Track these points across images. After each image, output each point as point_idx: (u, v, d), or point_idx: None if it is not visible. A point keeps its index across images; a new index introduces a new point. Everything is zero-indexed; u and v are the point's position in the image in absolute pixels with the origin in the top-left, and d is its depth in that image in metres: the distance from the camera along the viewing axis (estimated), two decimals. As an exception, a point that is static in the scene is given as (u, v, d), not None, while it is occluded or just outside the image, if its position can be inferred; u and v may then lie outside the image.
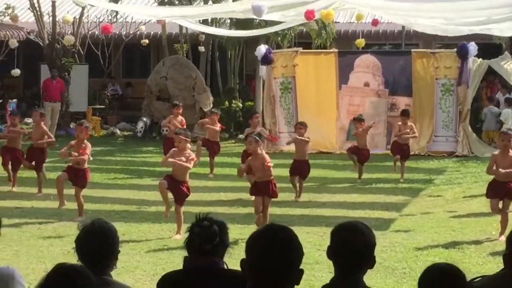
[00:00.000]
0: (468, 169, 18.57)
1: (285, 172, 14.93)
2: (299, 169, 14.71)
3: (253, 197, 12.25)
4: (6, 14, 27.81)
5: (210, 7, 15.01)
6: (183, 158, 11.56)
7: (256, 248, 3.50)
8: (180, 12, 15.38)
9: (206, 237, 4.26)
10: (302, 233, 11.45)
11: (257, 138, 11.96)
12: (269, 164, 11.72)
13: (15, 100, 27.94)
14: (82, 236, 4.60)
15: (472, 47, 20.50)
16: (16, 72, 21.63)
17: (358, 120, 17.19)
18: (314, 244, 10.58)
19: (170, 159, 11.59)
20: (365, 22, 22.61)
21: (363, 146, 16.81)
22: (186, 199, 11.78)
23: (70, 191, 12.89)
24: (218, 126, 17.87)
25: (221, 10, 15.09)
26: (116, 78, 31.63)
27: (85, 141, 12.94)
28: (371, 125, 17.27)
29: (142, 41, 23.84)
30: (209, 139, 17.80)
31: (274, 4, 14.15)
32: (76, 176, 12.72)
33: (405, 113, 17.62)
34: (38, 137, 15.39)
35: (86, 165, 12.88)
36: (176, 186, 11.64)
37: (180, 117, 18.18)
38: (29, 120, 27.73)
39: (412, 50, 22.52)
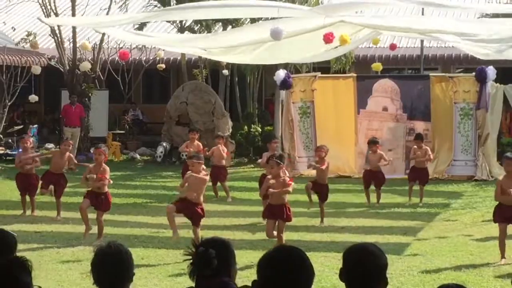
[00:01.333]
0: (487, 193, 18.47)
1: (305, 197, 14.97)
2: (319, 188, 14.70)
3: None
4: (28, 40, 28.14)
5: (231, 37, 15.02)
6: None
7: (267, 268, 3.54)
8: (200, 44, 15.45)
9: (203, 263, 4.26)
10: (320, 257, 11.48)
11: (278, 161, 11.99)
12: (290, 182, 11.82)
13: (36, 125, 28.21)
14: (98, 258, 4.66)
15: (491, 71, 20.50)
16: (34, 98, 21.85)
17: (372, 142, 17.17)
18: (332, 268, 10.57)
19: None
20: (384, 47, 22.68)
21: (377, 168, 16.79)
22: (201, 220, 11.85)
23: (91, 215, 12.99)
24: (225, 151, 18.00)
25: (241, 39, 15.10)
26: (136, 104, 31.85)
27: (104, 164, 13.05)
28: (388, 162, 17.13)
29: (158, 65, 24.02)
30: (216, 165, 17.89)
31: (294, 29, 14.19)
32: (98, 200, 12.83)
33: (419, 137, 17.63)
34: (62, 165, 15.47)
35: (106, 189, 12.99)
36: (190, 208, 11.75)
37: (196, 142, 18.24)
38: (50, 145, 28.00)
39: (430, 74, 22.55)
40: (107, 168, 13.08)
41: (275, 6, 13.03)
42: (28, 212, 15.36)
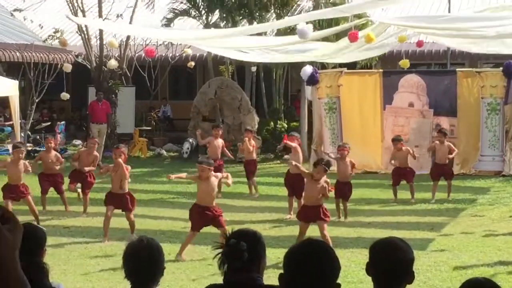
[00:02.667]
0: (514, 188, 18.43)
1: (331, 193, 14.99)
2: (341, 191, 14.74)
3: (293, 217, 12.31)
4: (55, 37, 28.33)
5: (258, 39, 15.06)
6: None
7: (293, 261, 3.56)
8: (227, 44, 15.47)
9: (233, 255, 4.25)
10: (347, 253, 11.50)
11: (326, 168, 11.95)
12: (331, 190, 11.83)
13: (63, 122, 28.42)
14: (130, 252, 4.71)
15: (519, 66, 20.40)
16: (65, 95, 21.97)
17: (397, 140, 17.17)
18: (359, 263, 10.58)
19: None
20: (410, 42, 22.58)
21: (405, 165, 16.81)
22: (222, 219, 11.78)
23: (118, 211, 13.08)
24: (220, 142, 17.96)
25: (267, 43, 15.16)
26: (166, 100, 32.02)
27: (124, 164, 13.08)
28: (415, 158, 17.14)
29: (188, 64, 24.10)
30: (247, 159, 17.93)
31: (319, 32, 14.27)
32: (122, 202, 12.87)
33: (441, 132, 17.57)
34: (89, 163, 15.62)
35: (127, 189, 13.03)
36: (207, 214, 11.67)
37: (220, 140, 18.11)
38: (77, 142, 28.22)
39: (457, 69, 22.43)
40: (128, 167, 13.13)
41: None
42: (50, 208, 15.53)
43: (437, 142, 17.36)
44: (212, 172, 11.85)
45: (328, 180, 12.05)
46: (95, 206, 15.12)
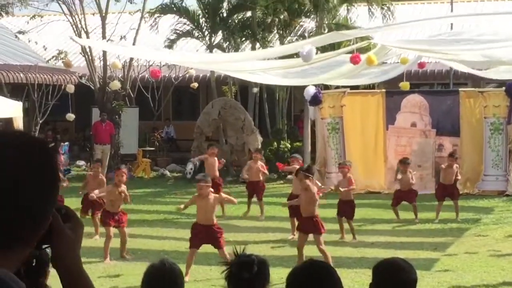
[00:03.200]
0: (518, 208, 18.41)
1: (332, 212, 15.01)
2: (344, 209, 14.76)
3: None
4: (59, 58, 28.44)
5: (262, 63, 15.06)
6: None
7: (295, 282, 3.58)
8: (232, 67, 15.52)
9: (243, 264, 4.29)
10: (350, 273, 11.49)
11: (307, 174, 12.03)
12: (318, 193, 11.86)
13: (67, 143, 28.48)
14: (152, 274, 4.71)
15: (521, 86, 20.44)
16: (71, 116, 21.99)
17: (405, 163, 17.20)
18: (362, 284, 10.58)
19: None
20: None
21: (407, 187, 16.84)
22: (223, 240, 11.76)
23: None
24: (216, 162, 17.91)
25: (272, 65, 15.15)
26: (170, 120, 32.10)
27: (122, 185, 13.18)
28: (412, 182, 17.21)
29: (191, 84, 24.20)
30: (252, 180, 17.80)
31: (322, 54, 14.32)
32: (116, 219, 12.94)
33: (452, 155, 17.59)
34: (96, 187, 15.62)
35: (121, 207, 13.16)
36: (207, 233, 11.66)
37: (214, 159, 18.07)
38: (81, 163, 28.26)
39: (460, 89, 22.47)
40: (125, 187, 13.26)
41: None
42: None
43: (443, 166, 17.31)
44: (211, 191, 11.92)
45: (317, 185, 12.15)
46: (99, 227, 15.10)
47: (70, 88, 21.59)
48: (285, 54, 15.32)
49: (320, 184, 12.63)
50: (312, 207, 11.89)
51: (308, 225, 11.88)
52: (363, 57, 13.85)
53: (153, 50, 16.37)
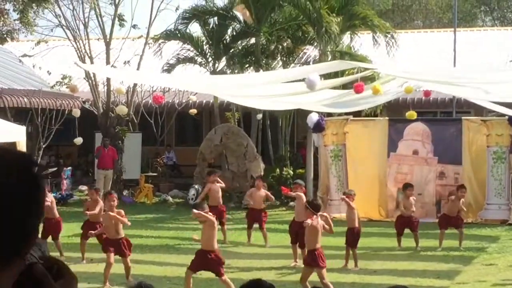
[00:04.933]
0: (521, 237, 18.36)
1: (335, 240, 14.96)
2: (349, 237, 14.71)
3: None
4: (63, 83, 28.54)
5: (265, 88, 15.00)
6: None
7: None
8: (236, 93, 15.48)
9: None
10: (353, 300, 11.45)
11: (313, 211, 11.99)
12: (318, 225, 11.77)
13: (70, 167, 28.48)
14: None
15: (524, 115, 20.46)
16: (78, 140, 21.99)
17: (407, 187, 17.19)
18: (365, 311, 10.54)
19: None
20: (416, 90, 22.72)
21: (410, 213, 16.81)
22: (222, 270, 11.70)
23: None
24: (219, 188, 17.83)
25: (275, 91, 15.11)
26: (171, 146, 32.14)
27: (115, 210, 13.12)
28: (413, 209, 17.19)
29: (190, 111, 24.26)
30: (254, 208, 17.62)
31: (326, 82, 14.34)
32: (119, 247, 12.87)
33: (463, 187, 17.56)
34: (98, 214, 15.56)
35: (123, 233, 13.06)
36: (206, 260, 11.59)
37: (217, 185, 17.91)
38: (83, 188, 28.24)
39: (463, 118, 22.51)
40: (122, 212, 13.16)
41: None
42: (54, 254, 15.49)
43: (454, 197, 17.22)
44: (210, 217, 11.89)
45: (323, 221, 12.04)
46: (98, 252, 15.05)
47: (76, 112, 21.64)
48: (290, 79, 15.30)
49: (324, 224, 12.45)
50: (314, 239, 11.79)
51: (310, 258, 11.80)
52: (366, 86, 13.89)
53: (158, 75, 16.27)
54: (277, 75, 16.37)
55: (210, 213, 12.13)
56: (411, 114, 20.91)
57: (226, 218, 18.24)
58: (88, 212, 14.87)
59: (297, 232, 14.70)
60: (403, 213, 16.94)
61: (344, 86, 18.74)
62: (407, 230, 16.78)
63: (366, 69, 17.89)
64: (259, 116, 26.53)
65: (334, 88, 17.67)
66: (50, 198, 15.89)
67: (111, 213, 12.95)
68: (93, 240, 15.44)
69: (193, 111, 24.92)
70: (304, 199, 15.17)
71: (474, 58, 31.19)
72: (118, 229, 12.99)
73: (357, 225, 14.94)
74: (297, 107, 19.94)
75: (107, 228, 13.13)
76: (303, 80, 13.08)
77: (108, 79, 26.40)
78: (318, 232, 11.80)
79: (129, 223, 13.19)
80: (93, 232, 15.03)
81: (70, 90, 18.46)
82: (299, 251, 14.70)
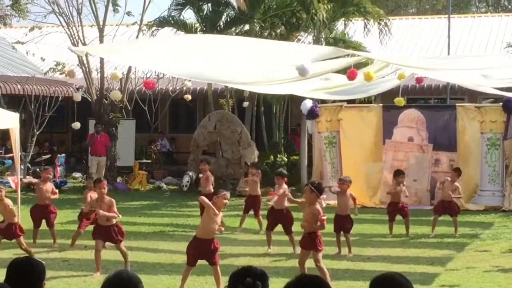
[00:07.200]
0: (515, 223, 18.39)
1: (330, 227, 14.95)
2: (341, 224, 14.70)
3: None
4: (57, 70, 28.47)
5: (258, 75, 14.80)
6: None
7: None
8: (226, 78, 15.22)
9: (260, 276, 4.23)
10: (346, 287, 11.45)
11: (312, 188, 11.86)
12: (323, 218, 11.62)
13: (63, 154, 28.45)
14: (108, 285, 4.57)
15: (518, 101, 20.47)
16: (76, 125, 21.99)
17: (398, 175, 17.14)
18: (358, 298, 10.55)
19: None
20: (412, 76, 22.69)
21: (399, 200, 16.78)
22: (217, 255, 11.65)
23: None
24: (209, 177, 17.76)
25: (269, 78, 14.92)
26: (164, 133, 32.10)
27: (107, 197, 13.01)
28: (407, 195, 17.21)
29: (184, 96, 24.18)
30: (251, 194, 17.58)
31: (319, 70, 14.19)
32: (110, 234, 12.75)
33: (458, 171, 17.51)
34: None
35: (115, 220, 12.97)
36: (207, 249, 11.45)
37: (208, 174, 17.84)
38: (77, 175, 28.22)
39: (457, 104, 22.52)
40: (113, 201, 13.06)
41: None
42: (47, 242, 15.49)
43: (448, 178, 17.20)
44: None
45: (321, 208, 11.93)
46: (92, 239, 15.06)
47: (77, 97, 21.62)
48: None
49: (324, 206, 12.33)
50: (314, 222, 11.68)
51: (308, 241, 11.74)
52: (360, 72, 13.81)
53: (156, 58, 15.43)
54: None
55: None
56: (399, 100, 20.84)
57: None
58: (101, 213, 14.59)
59: (275, 220, 14.82)
60: (394, 199, 16.85)
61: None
62: (399, 217, 16.79)
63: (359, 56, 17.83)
64: (245, 104, 26.45)
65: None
66: (49, 185, 15.85)
67: (101, 211, 12.78)
68: (87, 228, 15.43)
69: (188, 96, 24.81)
70: (285, 190, 15.08)
71: (468, 45, 31.20)
72: (110, 217, 12.90)
73: (349, 212, 14.93)
74: (291, 93, 19.82)
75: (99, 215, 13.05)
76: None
77: (101, 66, 26.32)
78: (319, 216, 11.67)
79: (119, 216, 13.07)
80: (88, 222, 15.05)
81: (67, 75, 18.33)
82: (274, 237, 14.79)
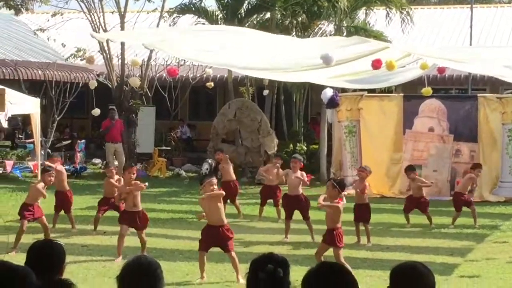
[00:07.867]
0: (535, 215, 18.27)
1: (349, 216, 14.90)
2: (360, 213, 14.67)
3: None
4: (77, 56, 28.51)
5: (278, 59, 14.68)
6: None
7: (311, 285, 3.54)
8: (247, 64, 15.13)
9: (272, 284, 4.16)
10: (365, 277, 11.43)
11: (335, 184, 11.78)
12: (338, 201, 11.61)
13: (83, 140, 28.53)
14: (127, 271, 4.56)
15: (540, 92, 20.33)
16: (96, 111, 22.12)
17: (410, 170, 17.09)
18: (377, 287, 10.52)
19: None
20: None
21: (419, 194, 16.68)
22: (232, 242, 11.63)
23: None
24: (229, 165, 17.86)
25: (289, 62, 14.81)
26: (184, 121, 32.11)
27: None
28: (430, 184, 17.18)
29: (207, 84, 24.16)
30: (267, 184, 17.35)
31: (342, 57, 14.11)
32: (134, 220, 12.85)
33: (478, 166, 17.44)
34: (113, 190, 15.49)
35: (140, 207, 13.03)
36: (217, 235, 11.47)
37: (227, 162, 17.89)
38: (97, 161, 28.29)
39: (478, 95, 22.36)
40: (138, 182, 13.19)
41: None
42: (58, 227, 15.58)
43: (474, 176, 17.08)
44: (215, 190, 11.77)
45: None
46: (111, 224, 15.10)
47: (93, 84, 21.68)
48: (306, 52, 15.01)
49: (344, 201, 12.22)
50: (336, 219, 11.60)
51: (328, 237, 11.65)
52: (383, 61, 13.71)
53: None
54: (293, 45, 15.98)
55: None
56: (427, 90, 20.66)
57: (239, 193, 18.23)
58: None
59: (292, 207, 14.79)
60: (414, 193, 16.80)
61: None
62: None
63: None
64: (266, 92, 26.36)
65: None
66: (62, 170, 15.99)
67: (127, 187, 12.95)
68: (107, 213, 15.49)
69: (210, 84, 24.77)
70: (298, 173, 15.04)
71: (491, 35, 30.97)
72: (136, 202, 12.96)
73: (367, 200, 14.91)
74: (313, 81, 19.70)
75: (125, 200, 13.12)
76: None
77: (122, 52, 26.33)
78: (341, 212, 11.63)
79: (144, 186, 13.13)
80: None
81: (87, 61, 18.33)
82: (292, 226, 14.83)
